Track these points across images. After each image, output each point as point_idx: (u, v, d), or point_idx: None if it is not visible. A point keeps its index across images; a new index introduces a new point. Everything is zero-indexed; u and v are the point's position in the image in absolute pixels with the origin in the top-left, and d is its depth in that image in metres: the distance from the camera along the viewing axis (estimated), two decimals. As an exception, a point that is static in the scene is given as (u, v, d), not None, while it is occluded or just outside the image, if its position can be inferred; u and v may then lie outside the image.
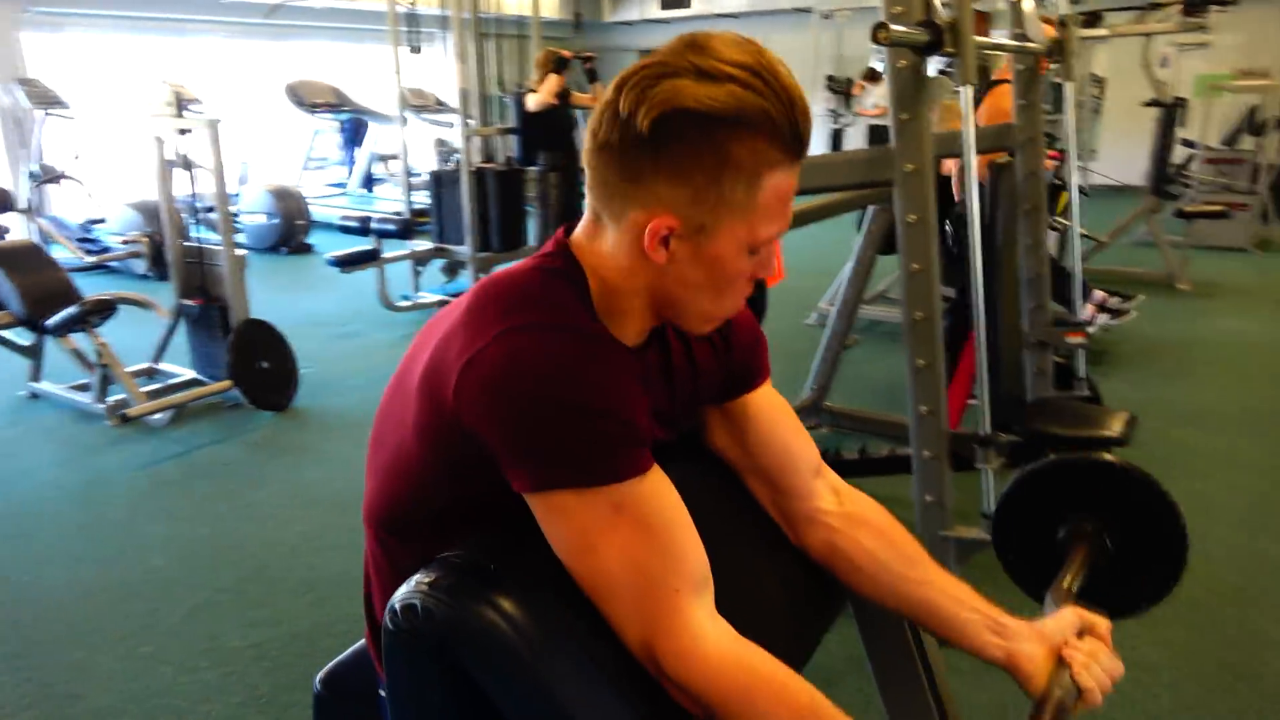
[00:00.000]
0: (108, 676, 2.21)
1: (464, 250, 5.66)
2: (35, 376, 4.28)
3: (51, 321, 3.87)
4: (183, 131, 3.98)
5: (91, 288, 4.29)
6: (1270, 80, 8.09)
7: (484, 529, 0.89)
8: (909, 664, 1.11)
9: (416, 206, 6.42)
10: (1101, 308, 4.64)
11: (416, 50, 6.40)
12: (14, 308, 3.95)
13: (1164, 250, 6.36)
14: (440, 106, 9.15)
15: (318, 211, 8.62)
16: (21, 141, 7.83)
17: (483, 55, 6.02)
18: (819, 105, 11.97)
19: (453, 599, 0.81)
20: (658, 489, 0.84)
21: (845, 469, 2.91)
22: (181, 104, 3.97)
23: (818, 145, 12.08)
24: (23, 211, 6.60)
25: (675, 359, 0.98)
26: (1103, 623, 0.98)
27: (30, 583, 2.67)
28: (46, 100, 6.82)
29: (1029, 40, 2.87)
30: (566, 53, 5.63)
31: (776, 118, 0.79)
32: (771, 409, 1.08)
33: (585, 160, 0.87)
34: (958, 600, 1.00)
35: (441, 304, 5.88)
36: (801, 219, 2.45)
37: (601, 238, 0.89)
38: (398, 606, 0.82)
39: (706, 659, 0.82)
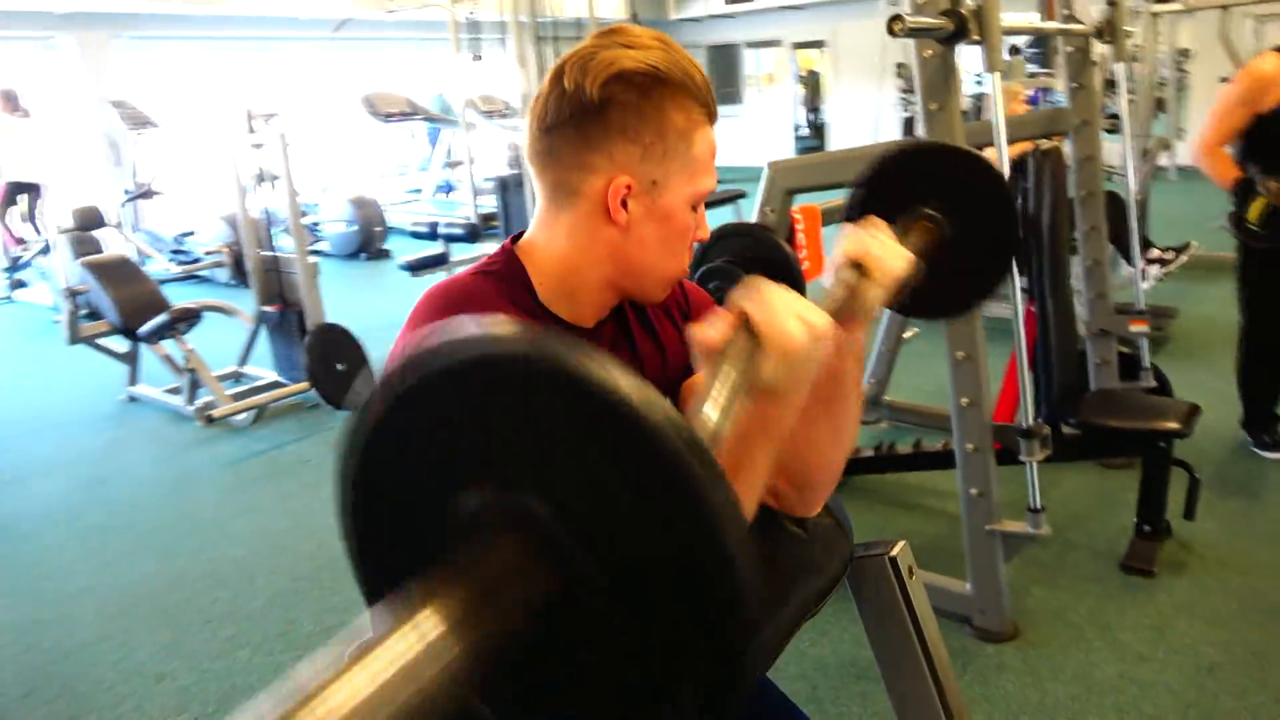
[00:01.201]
0: (192, 657, 2.39)
1: (530, 251, 5.79)
2: (133, 381, 4.57)
3: (143, 329, 4.14)
4: (257, 146, 4.20)
5: (180, 297, 4.57)
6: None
7: None
8: (909, 646, 1.16)
9: (485, 210, 6.59)
10: (1152, 261, 4.84)
11: (478, 57, 6.57)
12: (111, 317, 4.25)
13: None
14: (510, 110, 9.34)
15: (396, 218, 8.90)
16: (117, 160, 8.31)
17: (542, 59, 6.14)
18: (891, 93, 11.76)
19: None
20: None
21: (899, 464, 2.92)
22: (254, 119, 4.19)
23: (893, 133, 11.85)
24: (114, 227, 7.01)
25: (637, 337, 1.05)
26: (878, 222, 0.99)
27: (126, 570, 2.89)
28: (137, 121, 7.23)
29: (1075, 20, 2.83)
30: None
31: (694, 80, 0.91)
32: None
33: (533, 150, 0.95)
34: None
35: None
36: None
37: (557, 224, 0.96)
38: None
39: None
